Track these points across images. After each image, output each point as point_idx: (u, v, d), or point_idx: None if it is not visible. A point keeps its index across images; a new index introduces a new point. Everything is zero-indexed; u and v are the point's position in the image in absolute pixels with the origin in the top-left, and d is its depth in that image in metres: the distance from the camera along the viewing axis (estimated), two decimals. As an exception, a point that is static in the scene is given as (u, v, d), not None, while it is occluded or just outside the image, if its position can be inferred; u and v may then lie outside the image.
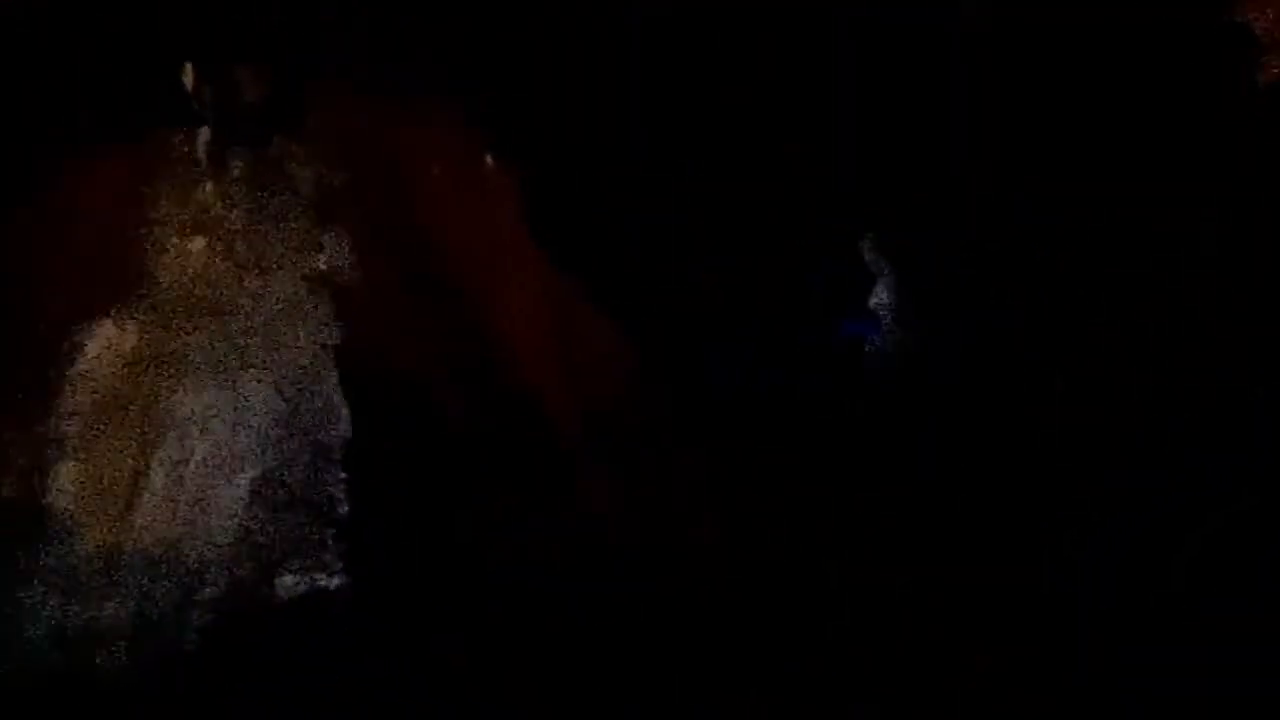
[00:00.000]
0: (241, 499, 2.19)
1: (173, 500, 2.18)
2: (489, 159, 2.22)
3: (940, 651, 1.98)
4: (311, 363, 2.23)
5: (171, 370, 2.21)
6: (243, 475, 2.20)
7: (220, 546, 2.17)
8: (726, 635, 2.03)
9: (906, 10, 2.07)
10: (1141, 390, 2.04)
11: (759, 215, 2.16)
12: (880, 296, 2.13)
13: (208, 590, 2.15)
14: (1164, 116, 2.08)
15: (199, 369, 2.21)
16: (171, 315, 2.22)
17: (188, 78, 2.23)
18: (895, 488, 2.05)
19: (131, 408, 2.20)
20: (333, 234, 2.25)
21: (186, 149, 2.25)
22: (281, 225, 2.25)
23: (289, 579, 2.16)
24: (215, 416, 2.21)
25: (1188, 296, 2.05)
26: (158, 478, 2.19)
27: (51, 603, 2.10)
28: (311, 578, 2.16)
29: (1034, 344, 2.10)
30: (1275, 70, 2.04)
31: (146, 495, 2.18)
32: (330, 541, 2.17)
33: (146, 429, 2.20)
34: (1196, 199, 2.07)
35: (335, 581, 2.15)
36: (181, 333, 2.22)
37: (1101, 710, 1.94)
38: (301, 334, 2.23)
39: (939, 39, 2.07)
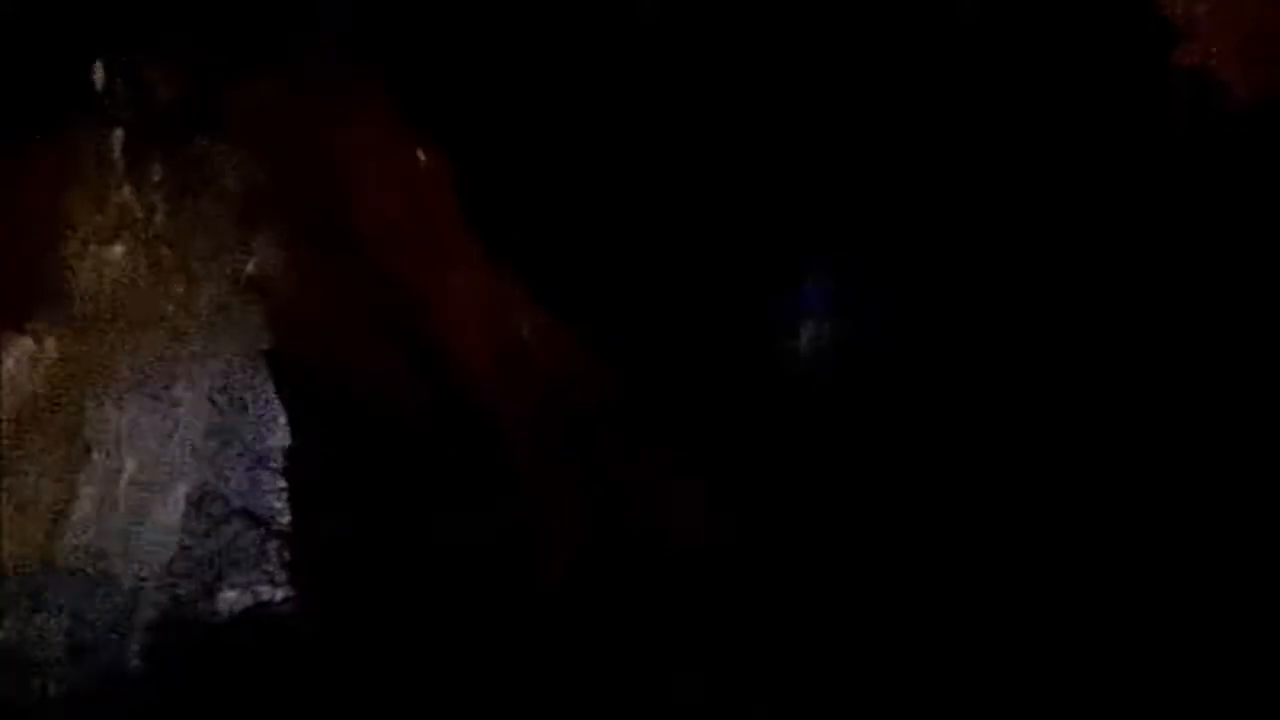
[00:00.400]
0: (177, 514, 2.11)
1: (104, 519, 2.09)
2: (421, 150, 2.15)
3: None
4: (244, 370, 2.15)
5: (96, 384, 2.12)
6: (177, 489, 2.12)
7: (157, 564, 2.09)
8: (695, 639, 2.00)
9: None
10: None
11: (703, 203, 2.12)
12: (838, 288, 2.10)
13: (146, 611, 2.07)
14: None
15: (125, 382, 2.12)
16: (93, 326, 2.12)
17: (98, 76, 2.12)
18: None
19: (55, 426, 2.10)
20: (261, 235, 2.17)
21: (101, 151, 2.15)
22: (206, 228, 2.16)
23: (231, 593, 2.09)
24: (145, 430, 2.12)
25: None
26: (87, 497, 2.10)
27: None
28: (254, 591, 2.09)
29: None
30: (1188, 59, 2.05)
31: (75, 515, 2.09)
32: (272, 552, 2.11)
33: (72, 447, 2.10)
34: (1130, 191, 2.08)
35: (279, 593, 2.09)
36: (105, 344, 2.12)
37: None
38: (232, 341, 2.15)
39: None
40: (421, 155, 2.14)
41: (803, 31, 2.08)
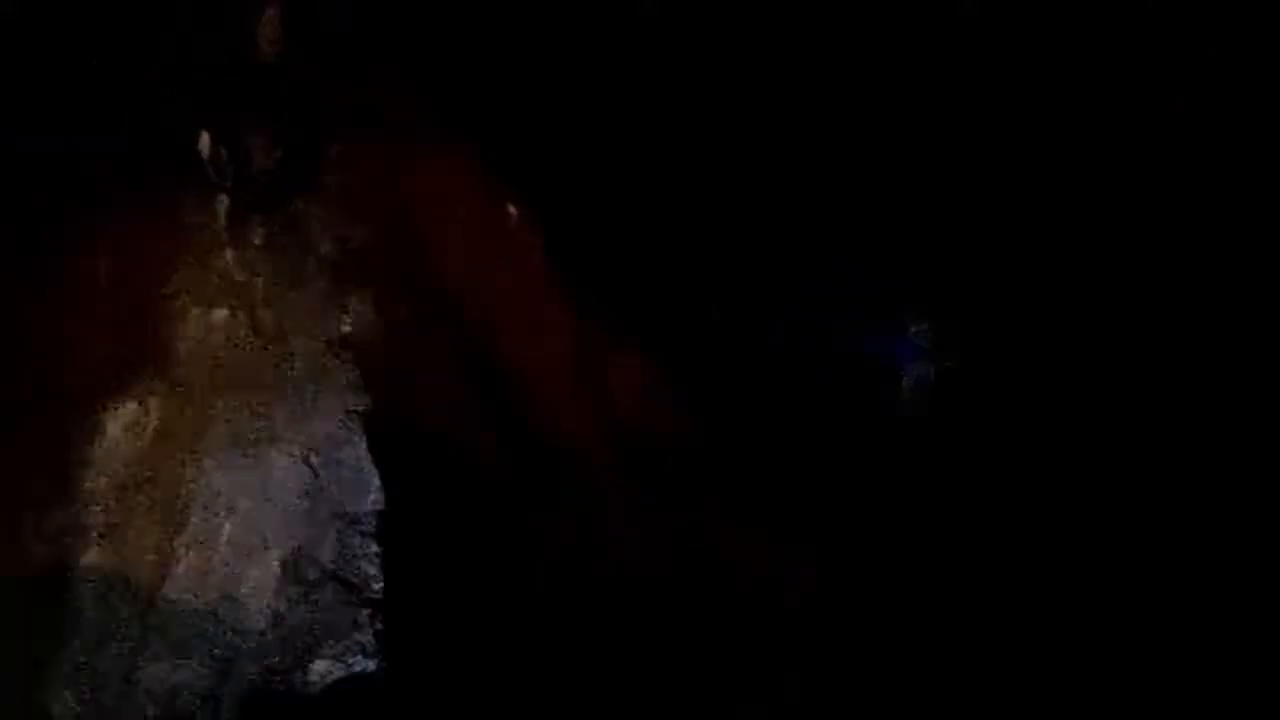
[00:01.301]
0: (271, 580, 2.07)
1: (201, 585, 2.07)
2: (508, 204, 2.11)
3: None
4: (338, 430, 2.12)
5: (195, 447, 2.12)
6: (272, 554, 2.08)
7: (250, 632, 2.04)
8: (776, 675, 1.83)
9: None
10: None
11: (781, 250, 2.03)
12: (907, 319, 1.99)
13: (238, 680, 2.02)
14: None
15: (223, 444, 2.11)
16: (194, 389, 2.13)
17: (203, 146, 2.18)
18: (940, 521, 1.86)
19: (156, 489, 2.10)
20: (353, 294, 2.15)
21: (205, 218, 2.19)
22: (302, 289, 2.16)
23: (322, 664, 2.02)
24: (242, 493, 2.10)
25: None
26: (185, 562, 2.08)
27: (73, 695, 1.99)
28: (346, 662, 2.01)
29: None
30: None
31: (173, 580, 2.08)
32: (365, 621, 2.03)
33: (172, 511, 2.10)
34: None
35: (370, 665, 2.00)
36: (205, 407, 2.13)
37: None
38: (326, 401, 2.12)
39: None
40: (508, 208, 2.10)
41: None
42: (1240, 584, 1.91)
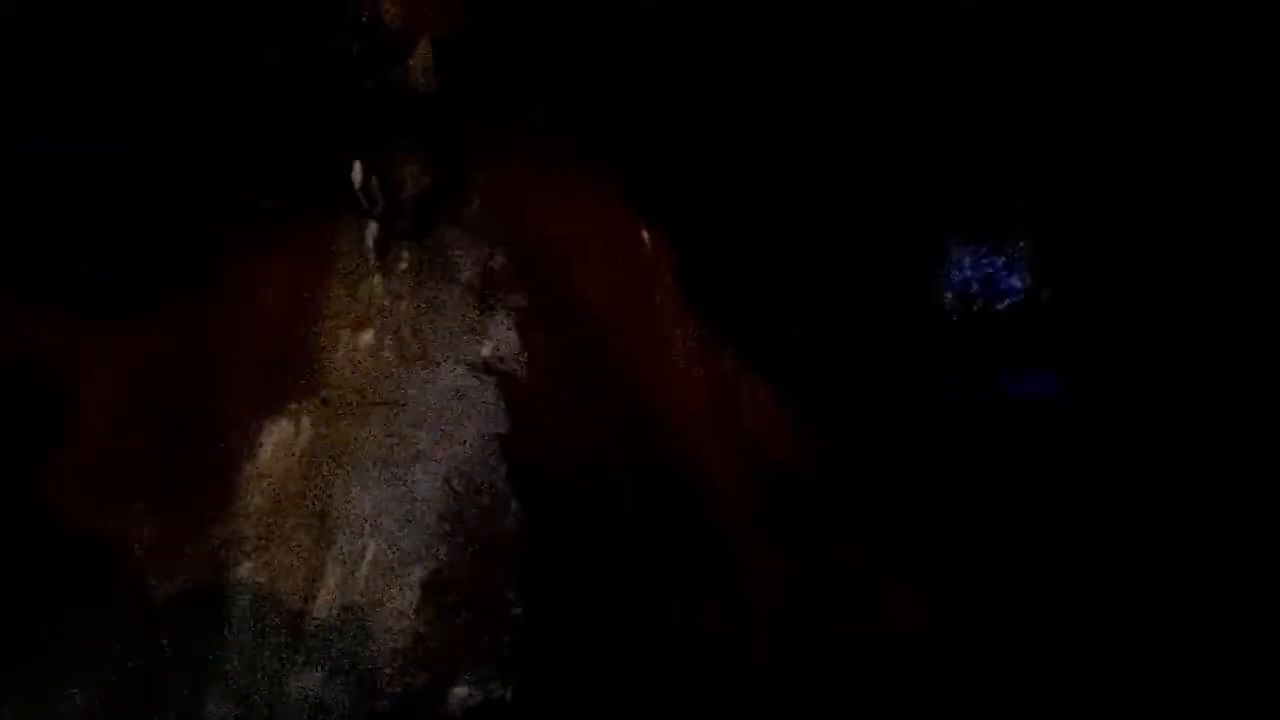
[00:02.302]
0: (413, 601, 2.10)
1: (346, 603, 2.12)
2: (642, 232, 2.10)
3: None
4: (480, 453, 2.14)
5: (343, 467, 2.17)
6: (413, 575, 2.11)
7: (392, 653, 2.08)
8: None
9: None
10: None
11: (917, 275, 1.97)
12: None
13: (380, 701, 2.06)
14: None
15: (369, 465, 2.16)
16: (343, 410, 2.19)
17: (356, 175, 2.24)
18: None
19: (306, 507, 2.17)
20: (495, 319, 2.18)
21: (355, 243, 2.24)
22: (446, 314, 2.20)
23: (462, 690, 2.04)
24: (386, 513, 2.15)
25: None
26: (332, 579, 2.14)
27: (228, 701, 2.07)
28: (485, 689, 2.03)
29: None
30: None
31: (321, 598, 2.14)
32: (503, 648, 2.05)
33: (321, 528, 2.16)
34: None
35: (509, 693, 2.01)
36: (353, 428, 2.18)
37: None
38: (469, 424, 2.15)
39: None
40: (642, 236, 2.09)
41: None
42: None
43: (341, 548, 2.14)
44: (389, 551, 2.13)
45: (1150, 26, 1.93)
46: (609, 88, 2.13)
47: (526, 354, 2.15)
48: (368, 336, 2.21)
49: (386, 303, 2.22)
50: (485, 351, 2.17)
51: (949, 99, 1.99)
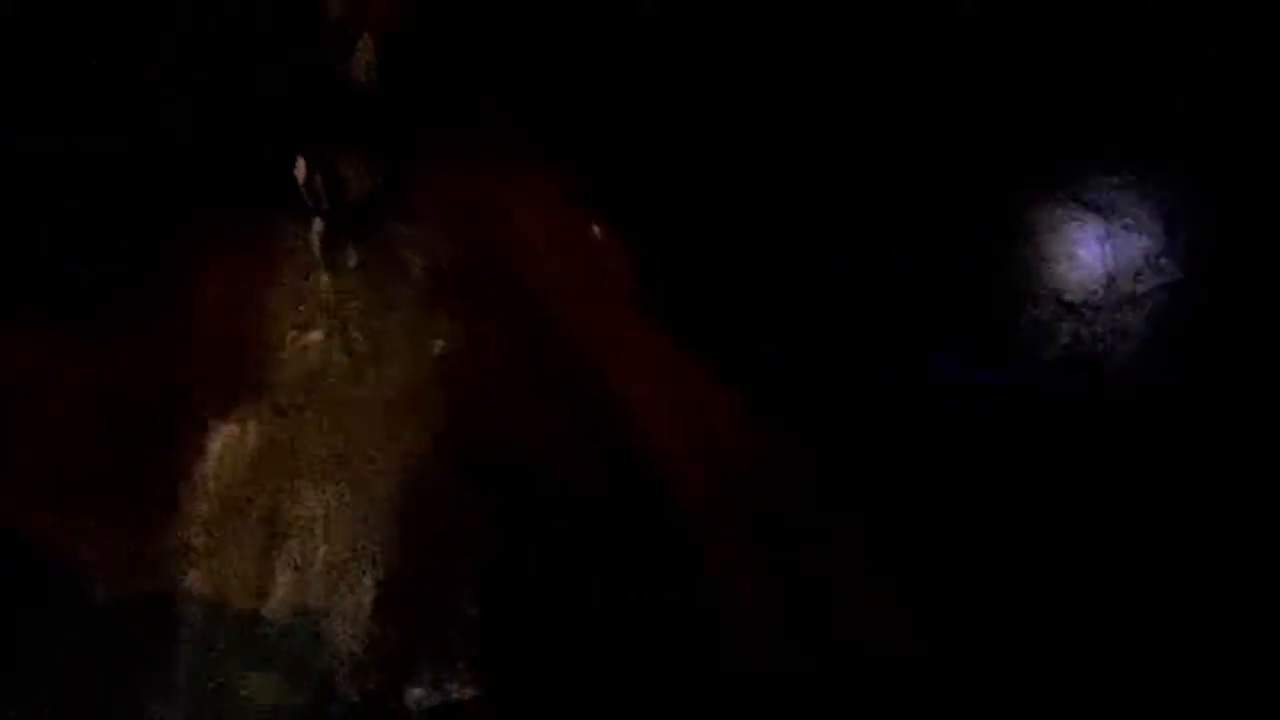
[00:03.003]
0: (367, 602, 2.08)
1: (298, 607, 2.09)
2: (596, 227, 2.10)
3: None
4: (433, 452, 2.12)
5: (292, 469, 2.14)
6: (367, 576, 2.09)
7: (346, 655, 2.05)
8: None
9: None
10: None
11: (875, 277, 1.98)
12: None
13: (335, 705, 2.03)
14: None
15: (320, 465, 2.13)
16: (292, 411, 2.16)
17: (300, 172, 2.21)
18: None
19: (255, 510, 2.13)
20: (446, 316, 2.16)
21: (301, 242, 2.21)
22: (396, 312, 2.18)
23: (418, 690, 2.02)
24: (338, 515, 2.12)
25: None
26: (283, 583, 2.10)
27: (176, 713, 2.03)
28: (443, 689, 2.01)
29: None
30: None
31: (272, 602, 2.10)
32: (460, 647, 2.02)
33: (271, 532, 2.13)
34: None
35: (467, 692, 1.99)
36: (302, 428, 2.15)
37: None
38: (421, 422, 2.13)
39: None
40: (595, 230, 2.09)
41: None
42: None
43: (292, 551, 2.11)
44: (341, 553, 2.10)
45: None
46: (564, 85, 2.12)
47: (478, 351, 2.14)
48: (316, 336, 2.18)
49: (334, 301, 2.19)
50: (436, 349, 2.15)
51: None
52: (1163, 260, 1.99)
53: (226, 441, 2.16)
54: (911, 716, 1.82)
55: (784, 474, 1.95)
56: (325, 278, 2.20)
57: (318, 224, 2.21)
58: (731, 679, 1.89)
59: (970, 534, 1.88)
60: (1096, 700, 1.82)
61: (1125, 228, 2.00)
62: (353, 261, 2.20)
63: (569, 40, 2.12)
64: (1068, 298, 1.99)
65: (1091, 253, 2.00)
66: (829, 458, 1.95)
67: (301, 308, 2.19)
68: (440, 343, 2.15)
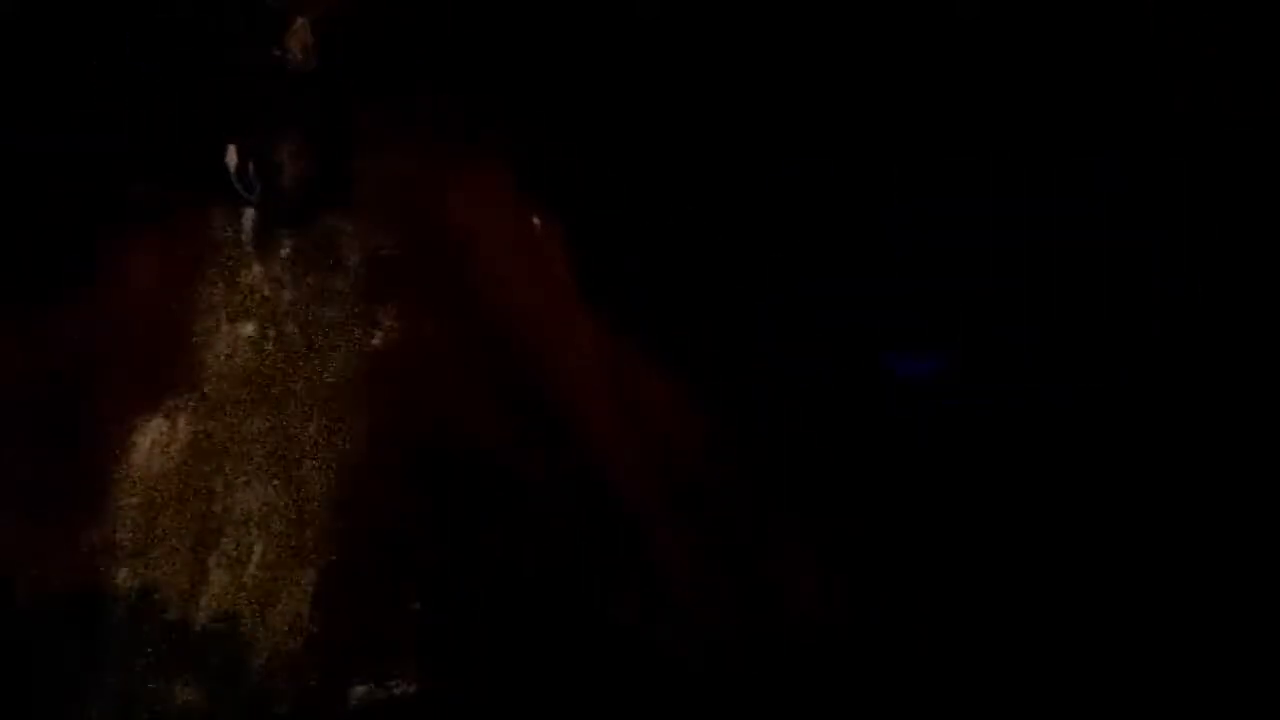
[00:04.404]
0: (305, 601, 2.04)
1: (232, 608, 2.04)
2: (536, 217, 2.08)
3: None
4: (372, 446, 2.09)
5: (226, 464, 2.09)
6: (306, 574, 2.05)
7: (285, 656, 2.01)
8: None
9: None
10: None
11: (826, 265, 2.00)
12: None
13: (274, 707, 1.99)
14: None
15: (254, 462, 2.09)
16: (224, 405, 2.11)
17: (230, 159, 2.14)
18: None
19: (186, 508, 2.08)
20: (385, 309, 2.12)
21: (231, 232, 2.15)
22: (332, 304, 2.13)
23: (361, 688, 1.99)
24: (274, 512, 2.07)
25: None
26: (216, 583, 2.05)
27: (103, 717, 1.97)
28: (387, 685, 1.98)
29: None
30: None
31: (204, 603, 2.05)
32: (405, 642, 2.00)
33: (203, 530, 2.07)
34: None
35: (413, 687, 1.97)
36: (235, 423, 2.10)
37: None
38: (360, 417, 2.09)
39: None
40: (536, 221, 2.07)
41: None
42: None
43: (226, 550, 2.06)
44: (278, 551, 2.06)
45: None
46: (511, 71, 2.09)
47: (418, 344, 2.11)
48: (248, 328, 2.13)
49: (268, 293, 2.14)
50: (375, 342, 2.11)
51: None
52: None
53: (156, 435, 2.10)
54: (857, 701, 1.86)
55: (727, 461, 1.97)
56: (258, 268, 2.15)
57: (249, 213, 2.15)
58: (673, 664, 1.90)
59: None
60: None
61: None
62: (287, 252, 2.15)
63: (516, 24, 2.09)
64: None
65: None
66: (774, 446, 1.97)
67: (233, 299, 2.14)
68: (378, 335, 2.11)
